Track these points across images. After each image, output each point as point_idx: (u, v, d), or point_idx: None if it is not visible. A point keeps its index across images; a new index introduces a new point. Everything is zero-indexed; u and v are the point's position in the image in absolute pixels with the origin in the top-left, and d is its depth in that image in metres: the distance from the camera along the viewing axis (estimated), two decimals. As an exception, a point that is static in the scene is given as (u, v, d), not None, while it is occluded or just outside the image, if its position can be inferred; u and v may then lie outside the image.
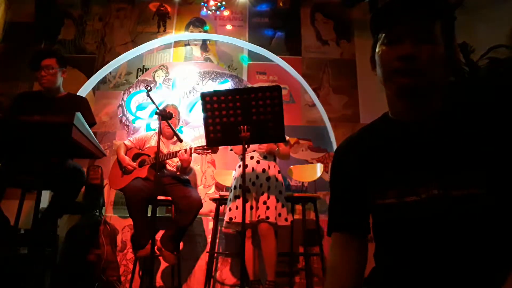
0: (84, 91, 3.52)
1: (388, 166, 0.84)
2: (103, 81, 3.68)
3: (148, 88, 2.32)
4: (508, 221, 0.71)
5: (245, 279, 2.40)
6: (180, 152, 2.60)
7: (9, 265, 2.05)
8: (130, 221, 2.83)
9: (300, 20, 3.91)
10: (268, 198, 2.40)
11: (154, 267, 2.65)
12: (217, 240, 3.01)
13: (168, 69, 3.71)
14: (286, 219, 2.43)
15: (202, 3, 3.82)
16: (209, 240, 3.03)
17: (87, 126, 1.91)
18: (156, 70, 3.71)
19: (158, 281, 3.02)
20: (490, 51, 2.39)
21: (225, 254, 3.13)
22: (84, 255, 2.71)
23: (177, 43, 3.82)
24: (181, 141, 2.45)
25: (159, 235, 2.57)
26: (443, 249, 0.73)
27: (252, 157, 2.56)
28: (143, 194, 2.53)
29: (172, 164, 2.86)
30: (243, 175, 1.95)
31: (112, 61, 3.65)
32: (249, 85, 3.58)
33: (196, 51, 3.80)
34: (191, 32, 3.84)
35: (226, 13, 3.88)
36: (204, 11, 3.86)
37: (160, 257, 2.56)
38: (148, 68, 3.72)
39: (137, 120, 3.54)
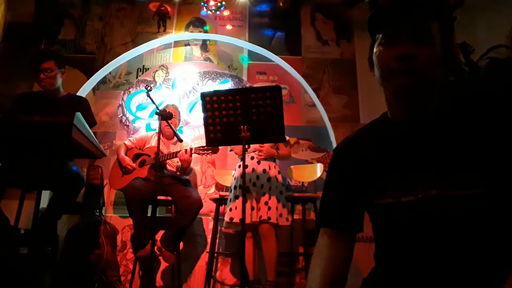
0: (84, 91, 3.52)
1: (386, 166, 0.84)
2: (103, 81, 3.68)
3: (148, 88, 2.32)
4: (507, 221, 0.71)
5: (245, 279, 2.40)
6: (180, 152, 2.60)
7: (9, 265, 2.05)
8: (130, 221, 2.83)
9: (300, 20, 3.90)
10: (270, 198, 2.41)
11: (154, 267, 2.65)
12: (217, 240, 3.01)
13: (168, 69, 3.71)
14: (287, 219, 2.44)
15: (202, 3, 3.82)
16: (209, 240, 3.03)
17: (87, 126, 1.91)
18: (156, 70, 3.71)
19: (158, 281, 3.02)
20: (490, 51, 2.39)
21: (225, 254, 3.13)
22: (84, 255, 2.71)
23: (177, 43, 3.82)
24: (181, 141, 2.45)
25: (159, 235, 2.57)
26: (442, 249, 0.73)
27: (252, 158, 2.56)
28: (143, 194, 2.53)
29: (172, 164, 2.86)
30: (243, 175, 1.95)
31: (112, 61, 3.65)
32: (249, 85, 3.58)
33: (196, 51, 3.80)
34: (191, 32, 3.83)
35: (226, 13, 3.88)
36: (204, 11, 3.86)
37: (160, 257, 2.56)
38: (148, 68, 3.72)
39: (137, 120, 3.54)
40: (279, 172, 2.58)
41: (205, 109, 2.04)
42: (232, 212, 2.45)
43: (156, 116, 2.25)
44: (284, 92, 3.56)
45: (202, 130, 3.38)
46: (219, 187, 3.33)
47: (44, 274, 2.29)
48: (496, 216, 0.71)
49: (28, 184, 2.25)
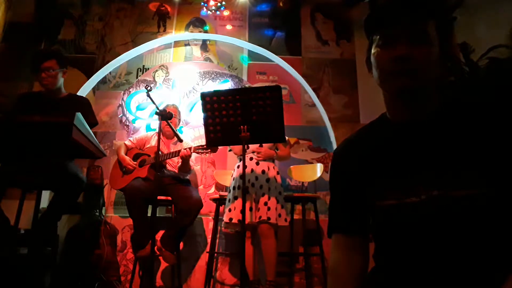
0: (84, 91, 3.52)
1: (387, 167, 0.84)
2: (103, 81, 3.68)
3: (148, 88, 2.32)
4: (508, 220, 0.71)
5: (245, 279, 2.40)
6: (181, 151, 2.61)
7: (9, 265, 2.05)
8: (130, 221, 2.83)
9: (300, 20, 3.91)
10: (269, 199, 2.41)
11: (154, 267, 2.65)
12: (217, 240, 3.01)
13: (168, 69, 3.71)
14: (285, 220, 2.45)
15: (202, 3, 3.82)
16: (209, 240, 3.03)
17: (87, 126, 1.91)
18: (156, 70, 3.71)
19: (158, 281, 3.03)
20: (490, 51, 2.39)
21: (225, 254, 3.13)
22: (84, 255, 2.71)
23: (177, 43, 3.82)
24: (181, 141, 2.45)
25: (159, 235, 2.57)
26: (443, 250, 0.73)
27: (251, 158, 2.56)
28: (143, 194, 2.53)
29: (173, 164, 2.86)
30: (243, 175, 1.94)
31: (112, 61, 3.65)
32: (249, 85, 3.58)
33: (196, 51, 3.80)
34: (191, 32, 3.84)
35: (226, 13, 3.88)
36: (204, 11, 3.86)
37: (160, 257, 2.56)
38: (148, 68, 3.72)
39: (137, 120, 3.54)
40: (278, 173, 2.58)
41: (205, 109, 2.04)
42: (231, 212, 2.45)
43: (156, 116, 2.25)
44: (284, 92, 3.56)
45: (202, 130, 3.39)
46: (219, 187, 3.33)
47: (44, 274, 2.29)
48: (498, 216, 0.71)
49: (28, 184, 2.24)
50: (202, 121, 2.10)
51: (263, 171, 2.50)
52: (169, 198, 2.67)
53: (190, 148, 2.58)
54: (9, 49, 3.63)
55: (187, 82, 3.65)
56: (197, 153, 2.56)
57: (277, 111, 1.98)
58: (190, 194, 2.59)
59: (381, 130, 0.90)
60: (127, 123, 3.55)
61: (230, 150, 2.92)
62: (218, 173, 3.28)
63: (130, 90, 3.63)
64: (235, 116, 2.00)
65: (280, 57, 3.71)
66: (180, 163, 2.72)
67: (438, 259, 0.73)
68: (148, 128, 3.50)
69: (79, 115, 1.80)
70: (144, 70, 3.72)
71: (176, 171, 2.81)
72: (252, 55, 3.79)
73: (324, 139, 3.54)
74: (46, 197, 3.04)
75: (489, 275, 0.69)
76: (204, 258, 3.08)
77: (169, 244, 2.50)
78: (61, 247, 2.73)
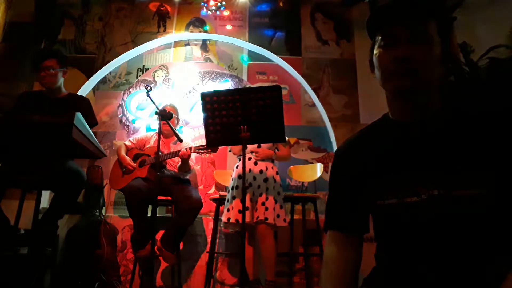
0: (84, 91, 3.52)
1: (388, 166, 0.84)
2: (103, 81, 3.68)
3: (148, 88, 2.32)
4: (508, 221, 0.71)
5: (245, 279, 2.40)
6: (181, 150, 2.61)
7: (9, 265, 2.05)
8: (130, 221, 2.83)
9: (300, 20, 3.91)
10: (267, 199, 2.40)
11: (154, 267, 2.65)
12: (217, 240, 3.01)
13: (168, 69, 3.71)
14: (284, 220, 2.44)
15: (202, 3, 3.82)
16: (209, 240, 3.03)
17: (87, 126, 1.91)
18: (156, 70, 3.71)
19: (158, 281, 3.02)
20: (490, 51, 2.39)
21: (225, 254, 3.13)
22: (84, 255, 2.71)
23: (177, 43, 3.82)
24: (181, 141, 2.45)
25: (159, 235, 2.57)
26: (443, 249, 0.73)
27: (249, 158, 2.55)
28: (143, 194, 2.53)
29: (173, 164, 2.86)
30: (242, 175, 1.94)
31: (112, 61, 3.65)
32: (249, 85, 3.58)
33: (196, 51, 3.80)
34: (191, 32, 3.84)
35: (226, 13, 3.88)
36: (204, 11, 3.86)
37: (160, 257, 2.56)
38: (148, 68, 3.72)
39: (137, 120, 3.54)
40: (277, 173, 2.58)
41: (205, 109, 2.04)
42: (230, 212, 2.45)
43: (156, 116, 2.25)
44: (284, 92, 3.56)
45: (202, 130, 3.39)
46: (219, 187, 3.33)
47: (44, 274, 2.29)
48: (498, 216, 0.71)
49: (28, 184, 2.24)
50: (202, 121, 2.10)
51: (261, 171, 2.50)
52: (169, 198, 2.67)
53: (190, 148, 2.58)
54: (9, 49, 3.63)
55: (187, 82, 3.65)
56: (197, 153, 2.56)
57: (277, 111, 1.98)
58: (190, 194, 2.59)
59: (383, 130, 0.90)
60: (127, 123, 3.55)
61: (229, 151, 2.92)
62: (218, 173, 3.28)
63: (130, 90, 3.63)
64: (235, 116, 2.00)
65: (280, 57, 3.71)
66: (179, 163, 2.72)
67: (438, 259, 0.74)
68: (148, 128, 3.50)
69: (79, 115, 1.80)
70: (144, 70, 3.72)
71: (176, 171, 2.81)
72: (252, 55, 3.79)
73: (324, 139, 3.54)
74: (46, 197, 3.04)
75: (489, 275, 0.69)
76: (204, 258, 3.08)
77: (169, 244, 2.50)
78: (61, 247, 2.73)
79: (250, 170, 2.51)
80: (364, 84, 3.63)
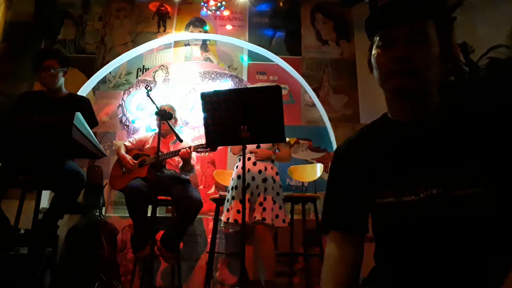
0: (84, 91, 3.52)
1: (387, 165, 0.84)
2: (103, 81, 3.69)
3: (148, 88, 2.32)
4: (508, 221, 0.71)
5: (245, 279, 2.40)
6: (181, 150, 2.61)
7: (9, 265, 2.05)
8: (130, 221, 2.83)
9: (300, 20, 3.91)
10: (265, 199, 2.40)
11: (154, 267, 2.65)
12: (217, 240, 3.01)
13: (168, 69, 3.71)
14: (283, 221, 2.42)
15: (202, 3, 3.82)
16: (209, 240, 3.03)
17: (87, 126, 1.91)
18: (156, 70, 3.71)
19: (158, 281, 3.02)
20: (490, 51, 2.39)
21: (225, 254, 3.13)
22: (84, 255, 2.70)
23: (177, 43, 3.82)
24: (181, 141, 2.45)
25: (159, 235, 2.57)
26: (442, 249, 0.73)
27: (249, 159, 2.55)
28: (143, 194, 2.52)
29: (173, 164, 2.86)
30: (243, 175, 1.94)
31: (112, 61, 3.65)
32: (249, 85, 3.58)
33: (196, 51, 3.80)
34: (191, 32, 3.84)
35: (226, 13, 3.88)
36: (204, 11, 3.86)
37: (160, 257, 2.56)
38: (148, 68, 3.73)
39: (137, 120, 3.54)
40: (277, 173, 2.57)
41: (205, 109, 2.04)
42: (229, 212, 2.45)
43: (155, 116, 2.25)
44: (284, 92, 3.56)
45: (202, 130, 3.39)
46: (219, 187, 3.33)
47: (44, 274, 2.29)
48: (498, 215, 0.71)
49: (28, 184, 2.25)
50: (202, 121, 2.10)
51: (260, 171, 2.50)
52: (169, 198, 2.67)
53: (189, 147, 2.58)
54: (9, 49, 3.63)
55: (187, 82, 3.65)
56: (197, 152, 2.56)
57: (277, 111, 1.98)
58: (190, 194, 2.59)
59: (382, 129, 0.90)
60: (127, 123, 3.55)
61: (230, 150, 2.92)
62: (218, 173, 3.28)
63: (130, 90, 3.63)
64: (235, 116, 2.00)
65: (280, 57, 3.71)
66: (181, 163, 2.72)
67: (437, 258, 0.74)
68: (148, 128, 3.50)
69: (79, 115, 1.80)
70: (144, 70, 3.72)
71: (176, 170, 2.81)
72: (252, 55, 3.79)
73: (324, 139, 3.54)
74: (46, 197, 3.04)
75: (488, 274, 0.69)
76: (204, 258, 3.08)
77: (169, 244, 2.50)
78: (61, 247, 2.73)
79: (249, 170, 2.50)
80: (364, 84, 3.63)
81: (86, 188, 2.92)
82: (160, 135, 2.28)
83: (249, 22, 3.89)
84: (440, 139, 0.79)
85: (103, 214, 3.05)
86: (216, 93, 2.04)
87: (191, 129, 3.53)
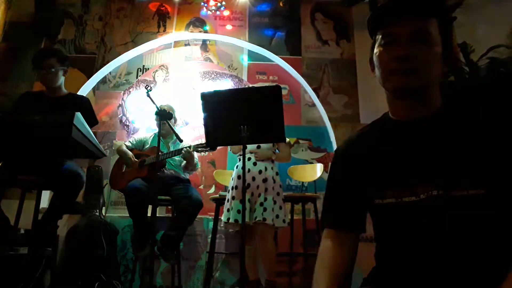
0: (84, 91, 3.52)
1: (387, 166, 0.84)
2: (103, 81, 3.69)
3: (148, 88, 2.32)
4: (508, 221, 0.71)
5: (245, 279, 2.40)
6: (182, 150, 2.61)
7: (9, 265, 2.05)
8: (130, 221, 2.83)
9: (300, 20, 3.91)
10: (265, 199, 2.40)
11: (154, 267, 2.65)
12: (217, 240, 3.01)
13: (168, 69, 3.71)
14: (284, 221, 2.42)
15: (202, 3, 3.82)
16: (209, 240, 3.03)
17: (87, 126, 1.90)
18: (156, 70, 3.71)
19: (158, 281, 3.02)
20: (490, 51, 2.40)
21: (225, 254, 3.13)
22: (84, 255, 2.70)
23: (177, 43, 3.82)
24: (181, 141, 2.45)
25: (159, 235, 2.57)
26: (442, 249, 0.73)
27: (249, 159, 2.55)
28: (143, 194, 2.53)
29: (173, 164, 2.86)
30: (243, 175, 1.94)
31: (112, 61, 3.66)
32: (249, 85, 3.57)
33: (196, 51, 3.80)
34: (191, 32, 3.84)
35: (226, 13, 3.88)
36: (204, 11, 3.86)
37: (160, 257, 2.56)
38: (148, 68, 3.72)
39: (137, 120, 3.54)
40: (277, 173, 2.57)
41: (205, 109, 2.04)
42: (229, 212, 2.45)
43: (155, 116, 2.25)
44: (284, 92, 3.56)
45: (202, 130, 3.38)
46: (219, 187, 3.33)
47: (44, 274, 2.29)
48: (498, 216, 0.71)
49: (28, 184, 2.24)
50: (202, 121, 2.10)
51: (260, 171, 2.49)
52: (169, 198, 2.67)
53: (189, 147, 2.59)
54: (9, 49, 3.63)
55: (187, 82, 3.65)
56: (197, 151, 2.56)
57: (277, 111, 1.98)
58: (190, 194, 2.59)
59: (383, 129, 0.90)
60: (127, 123, 3.55)
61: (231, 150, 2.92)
62: (218, 173, 3.27)
63: (130, 90, 3.63)
64: (235, 116, 2.00)
65: (280, 57, 3.71)
66: (185, 163, 2.73)
67: (437, 259, 0.73)
68: (148, 129, 3.50)
69: (78, 114, 1.80)
70: (144, 70, 3.72)
71: (177, 170, 2.82)
72: (252, 55, 3.79)
73: (324, 139, 3.54)
74: (46, 197, 3.04)
75: (488, 274, 0.69)
76: (204, 258, 3.07)
77: (169, 244, 2.50)
78: (61, 247, 2.73)
79: (249, 170, 2.50)
80: (364, 84, 3.63)
81: (86, 188, 2.92)
82: (160, 135, 2.27)
83: (249, 22, 3.89)
84: (441, 139, 0.79)
85: (103, 214, 3.05)
86: (216, 93, 2.04)
87: (191, 129, 3.53)
